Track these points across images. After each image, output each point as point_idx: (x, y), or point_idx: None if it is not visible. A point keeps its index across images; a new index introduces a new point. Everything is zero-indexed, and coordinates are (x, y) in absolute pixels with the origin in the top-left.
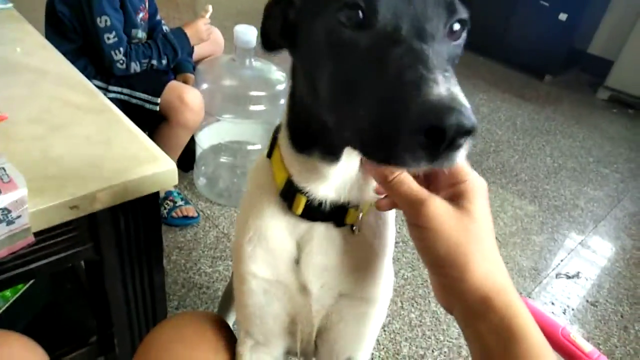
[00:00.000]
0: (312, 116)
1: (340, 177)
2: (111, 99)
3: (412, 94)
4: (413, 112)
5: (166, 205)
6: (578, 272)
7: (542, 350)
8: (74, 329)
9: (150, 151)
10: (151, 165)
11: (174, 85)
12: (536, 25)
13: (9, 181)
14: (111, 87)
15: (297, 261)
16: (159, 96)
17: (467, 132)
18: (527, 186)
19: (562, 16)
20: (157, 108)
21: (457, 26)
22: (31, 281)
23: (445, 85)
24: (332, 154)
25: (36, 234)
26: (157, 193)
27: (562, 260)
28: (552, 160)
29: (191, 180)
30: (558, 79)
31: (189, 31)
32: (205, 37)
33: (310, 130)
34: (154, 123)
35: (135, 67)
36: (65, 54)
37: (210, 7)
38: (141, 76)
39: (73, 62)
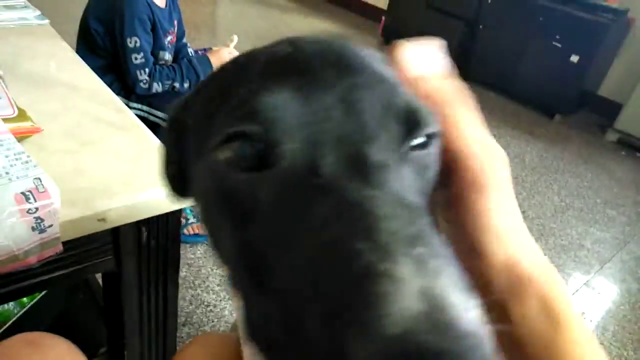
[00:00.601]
0: None
1: None
2: None
3: (350, 315)
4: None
5: None
6: (582, 313)
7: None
8: (84, 339)
9: None
10: None
11: None
12: (548, 65)
13: (44, 191)
14: (131, 104)
15: None
16: None
17: None
18: (533, 224)
19: (574, 58)
20: None
21: (421, 140)
22: (44, 291)
23: (419, 281)
24: None
25: (62, 244)
26: (180, 210)
27: None
28: (559, 199)
29: None
30: (568, 118)
31: (213, 59)
32: None
33: None
34: None
35: (157, 87)
36: (94, 69)
37: (235, 37)
38: (161, 95)
39: (101, 77)
